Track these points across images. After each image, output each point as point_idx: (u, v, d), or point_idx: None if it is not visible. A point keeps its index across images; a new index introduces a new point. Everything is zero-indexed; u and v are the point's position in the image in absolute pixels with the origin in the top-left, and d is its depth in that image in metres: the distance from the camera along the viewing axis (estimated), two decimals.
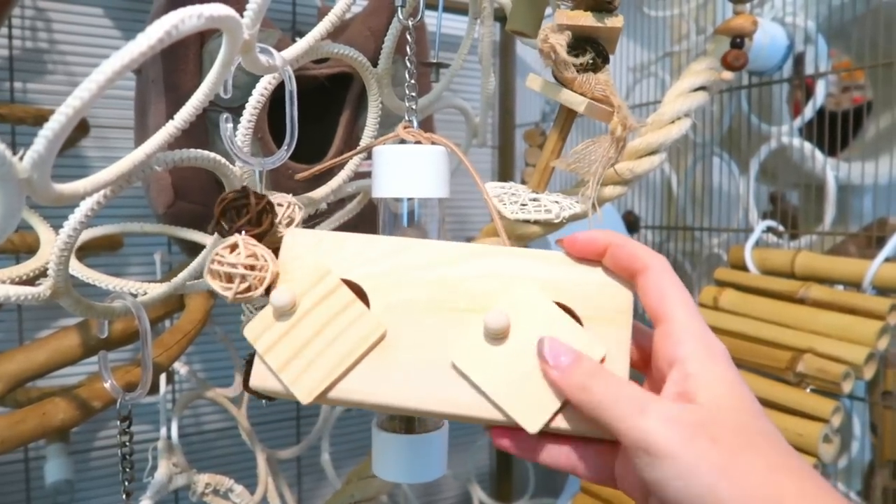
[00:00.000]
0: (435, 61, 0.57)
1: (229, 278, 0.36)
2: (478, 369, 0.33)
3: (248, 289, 0.36)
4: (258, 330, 0.34)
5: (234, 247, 0.37)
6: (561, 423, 0.32)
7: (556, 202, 0.49)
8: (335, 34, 0.74)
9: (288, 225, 0.42)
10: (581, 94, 0.42)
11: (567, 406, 0.31)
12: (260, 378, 0.34)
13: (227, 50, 0.35)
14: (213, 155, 0.40)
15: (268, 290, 0.39)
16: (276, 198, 0.42)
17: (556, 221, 0.48)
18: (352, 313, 0.34)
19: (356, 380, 0.33)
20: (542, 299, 0.33)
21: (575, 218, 0.50)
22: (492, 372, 0.32)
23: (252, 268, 0.36)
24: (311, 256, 0.36)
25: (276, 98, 0.45)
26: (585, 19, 0.41)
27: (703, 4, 0.95)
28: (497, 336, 0.33)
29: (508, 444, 0.33)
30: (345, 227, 0.65)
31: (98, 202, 0.35)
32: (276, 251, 0.39)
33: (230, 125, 0.39)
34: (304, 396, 0.33)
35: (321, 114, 0.73)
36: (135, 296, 0.46)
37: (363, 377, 0.33)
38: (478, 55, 0.64)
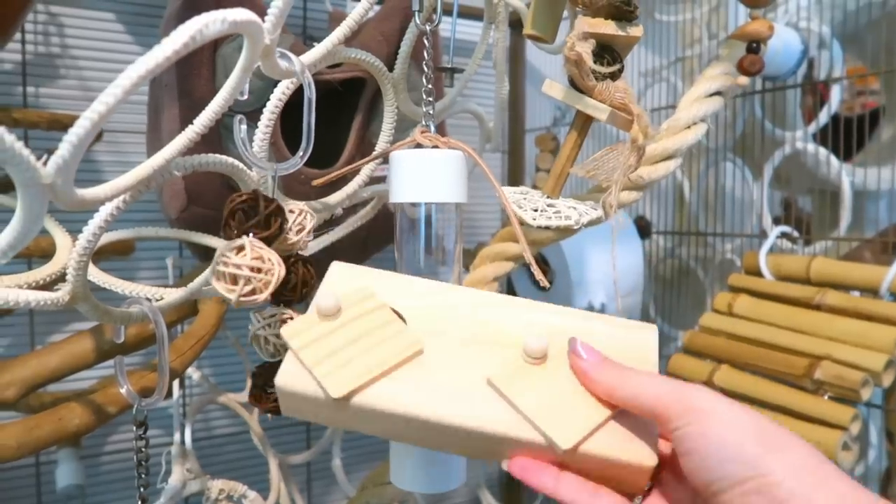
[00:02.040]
0: (450, 66, 0.57)
1: (234, 280, 0.36)
2: (513, 386, 0.32)
3: (253, 291, 0.36)
4: (296, 329, 0.34)
5: (240, 249, 0.36)
6: (593, 445, 0.31)
7: (574, 208, 0.49)
8: (347, 40, 0.74)
9: (298, 232, 0.41)
10: (601, 101, 0.42)
11: (600, 430, 0.31)
12: (288, 377, 0.33)
13: (248, 54, 0.35)
14: (230, 160, 0.40)
15: (274, 295, 0.39)
16: (289, 205, 0.42)
17: (575, 228, 0.48)
18: (392, 328, 0.35)
19: (389, 385, 0.33)
20: (579, 331, 0.35)
21: (592, 224, 0.50)
22: (527, 390, 0.32)
23: (258, 270, 0.36)
24: (356, 280, 0.37)
25: (289, 103, 0.45)
26: (607, 27, 0.40)
27: (714, 9, 0.94)
28: (535, 357, 0.33)
29: (526, 472, 0.32)
30: (358, 232, 0.64)
31: (118, 207, 0.35)
32: (285, 259, 0.39)
33: (244, 127, 0.38)
34: (336, 390, 0.32)
35: (332, 118, 0.73)
36: (151, 301, 0.45)
37: (396, 384, 0.33)
38: (492, 60, 0.64)
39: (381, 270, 0.38)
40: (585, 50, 0.39)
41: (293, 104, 0.42)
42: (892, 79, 0.80)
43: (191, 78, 0.62)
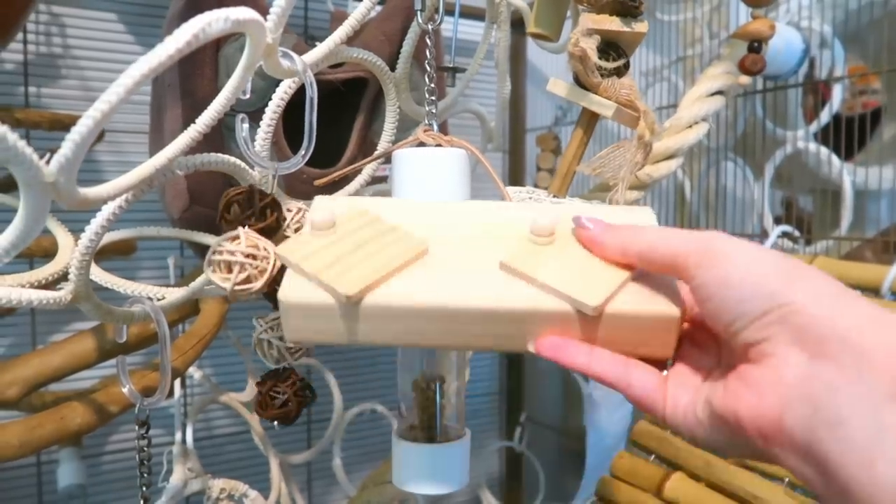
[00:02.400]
0: (452, 66, 0.57)
1: (229, 268, 0.36)
2: (528, 263, 0.32)
3: (248, 279, 0.36)
4: (293, 246, 0.33)
5: (235, 237, 0.36)
6: (619, 304, 0.31)
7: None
8: (349, 39, 0.74)
9: (297, 231, 0.41)
10: (606, 98, 0.42)
11: (622, 290, 0.31)
12: (293, 290, 0.31)
13: (251, 54, 0.35)
14: (232, 159, 0.40)
15: (270, 285, 0.39)
16: (288, 204, 0.42)
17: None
18: (393, 234, 0.34)
19: (401, 282, 0.32)
20: (581, 213, 0.34)
21: None
22: (543, 264, 0.32)
23: (253, 257, 0.36)
24: (345, 204, 0.37)
25: (291, 102, 0.45)
26: (612, 24, 0.40)
27: (716, 8, 0.94)
28: (544, 235, 0.33)
29: (557, 350, 0.32)
30: None
31: (120, 206, 0.35)
32: None
33: (246, 126, 0.38)
34: (348, 288, 0.30)
35: (334, 118, 0.73)
36: (153, 300, 0.45)
37: (408, 280, 0.32)
38: (494, 60, 0.64)
39: (370, 197, 0.38)
40: (590, 46, 0.39)
41: (295, 103, 0.42)
42: (894, 78, 0.80)
43: (193, 77, 0.62)
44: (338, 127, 0.73)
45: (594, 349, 0.31)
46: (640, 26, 0.41)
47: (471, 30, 1.02)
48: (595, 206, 0.37)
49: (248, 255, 0.35)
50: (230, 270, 0.36)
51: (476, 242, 0.34)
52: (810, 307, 0.25)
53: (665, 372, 0.32)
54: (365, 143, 0.71)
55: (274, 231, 0.39)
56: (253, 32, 0.33)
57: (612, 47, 0.42)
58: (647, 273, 0.32)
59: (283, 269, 0.39)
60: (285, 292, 0.31)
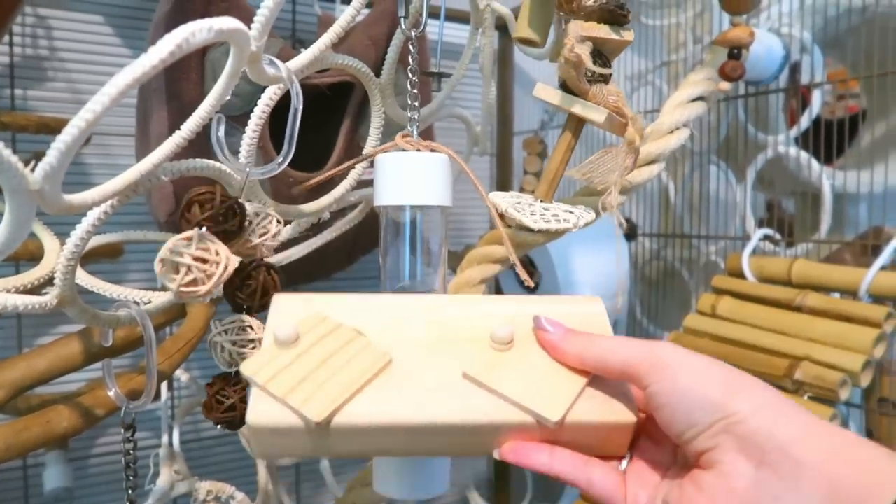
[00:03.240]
0: (437, 71, 0.58)
1: (176, 269, 0.35)
2: (490, 374, 0.33)
3: (195, 282, 0.35)
4: (258, 363, 0.33)
5: (189, 238, 0.35)
6: (577, 413, 0.32)
7: (570, 211, 0.50)
8: (335, 44, 0.75)
9: (261, 236, 0.41)
10: (595, 104, 0.43)
11: (580, 398, 0.33)
12: (260, 414, 0.31)
13: (235, 61, 0.36)
14: (217, 164, 0.41)
15: (231, 298, 0.38)
16: (253, 207, 0.41)
17: (574, 230, 0.49)
18: (356, 345, 0.34)
19: (367, 400, 0.32)
20: (529, 328, 0.36)
21: (587, 225, 0.51)
22: (504, 375, 0.33)
23: (203, 261, 0.35)
24: (305, 309, 0.36)
25: (278, 106, 0.45)
26: (601, 31, 0.41)
27: (699, 14, 0.96)
28: (503, 343, 0.35)
29: (519, 454, 0.33)
30: (346, 235, 0.65)
31: (105, 212, 0.35)
32: (247, 264, 0.39)
33: (222, 127, 0.39)
34: (317, 414, 0.31)
35: (321, 122, 0.73)
36: (139, 304, 0.46)
37: (374, 397, 0.32)
38: (479, 64, 0.65)
39: (326, 294, 0.38)
40: (585, 52, 0.39)
41: (283, 107, 0.42)
42: (872, 83, 0.81)
43: (179, 82, 0.63)
44: (325, 130, 0.74)
45: (555, 450, 0.33)
46: (627, 34, 0.42)
47: (458, 33, 1.03)
48: (544, 304, 0.38)
49: (197, 259, 0.35)
50: (177, 272, 0.35)
51: (438, 349, 0.35)
52: (752, 418, 0.28)
53: (623, 466, 0.34)
54: (352, 147, 0.72)
55: (234, 235, 0.38)
56: (236, 41, 0.34)
57: (597, 54, 0.42)
58: (603, 378, 0.33)
59: (245, 280, 0.40)
60: (254, 415, 0.31)
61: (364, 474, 0.59)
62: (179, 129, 0.37)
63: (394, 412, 0.32)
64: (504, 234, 0.45)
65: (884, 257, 0.65)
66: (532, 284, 0.44)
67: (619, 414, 0.33)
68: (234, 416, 0.42)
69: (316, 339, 0.34)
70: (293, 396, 0.31)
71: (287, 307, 0.37)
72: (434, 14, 0.55)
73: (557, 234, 0.58)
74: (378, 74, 0.53)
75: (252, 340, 0.41)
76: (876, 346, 0.62)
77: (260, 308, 0.41)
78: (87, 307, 0.40)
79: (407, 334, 0.36)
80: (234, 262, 0.37)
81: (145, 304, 0.47)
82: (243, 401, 0.41)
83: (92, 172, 0.82)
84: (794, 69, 0.84)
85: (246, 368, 0.32)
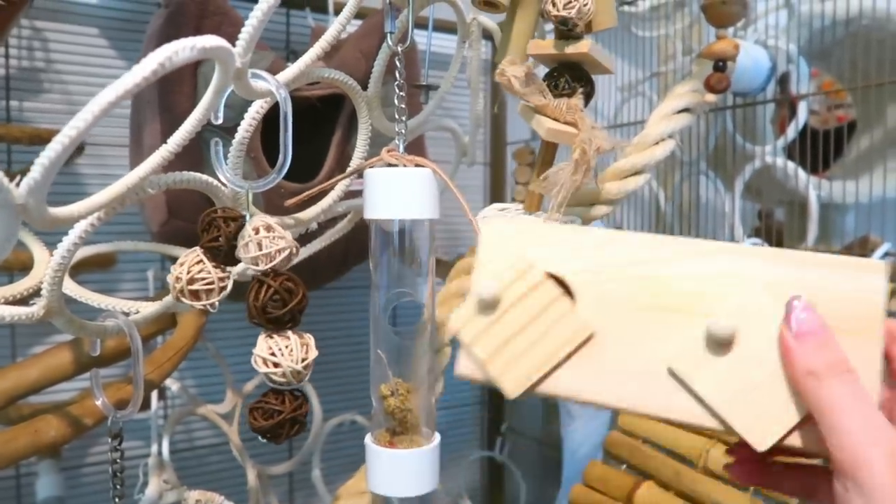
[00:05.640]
0: (425, 83, 0.59)
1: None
2: (699, 378, 0.30)
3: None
4: (462, 320, 0.33)
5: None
6: (797, 440, 0.28)
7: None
8: (327, 56, 0.76)
9: (244, 245, 0.41)
10: (555, 119, 0.44)
11: (805, 422, 0.28)
12: (467, 368, 0.33)
13: (220, 78, 0.36)
14: (205, 178, 0.41)
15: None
16: (255, 223, 0.41)
17: None
18: (557, 310, 0.32)
19: (564, 377, 0.32)
20: (772, 304, 0.30)
21: None
22: (715, 382, 0.29)
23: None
24: (513, 247, 0.34)
25: (270, 118, 0.46)
26: (548, 47, 0.42)
27: (689, 26, 0.97)
28: (721, 344, 0.30)
29: (744, 473, 0.31)
30: (337, 245, 0.65)
31: (92, 224, 0.36)
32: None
33: (220, 149, 0.40)
34: (511, 391, 0.31)
35: (313, 133, 0.74)
36: (127, 314, 0.46)
37: (572, 375, 0.32)
38: (463, 76, 0.66)
39: (541, 224, 0.36)
40: (515, 74, 0.40)
41: (275, 118, 0.43)
42: (859, 94, 0.82)
43: (172, 94, 0.64)
44: (317, 142, 0.75)
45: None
46: (578, 47, 0.42)
47: (450, 43, 1.04)
48: (808, 270, 0.30)
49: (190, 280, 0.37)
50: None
51: (647, 319, 0.31)
52: None
53: None
54: (343, 158, 0.72)
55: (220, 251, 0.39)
56: (221, 59, 0.34)
57: (570, 69, 0.43)
58: None
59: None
60: (461, 367, 0.33)
61: (353, 483, 0.60)
62: (164, 140, 0.38)
63: (591, 392, 0.31)
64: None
65: None
66: None
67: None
68: (280, 431, 0.40)
69: (518, 295, 0.33)
70: (493, 365, 0.32)
71: (497, 239, 0.34)
72: (423, 25, 0.56)
73: None
74: (365, 89, 0.53)
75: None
76: None
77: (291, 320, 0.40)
78: (74, 317, 0.41)
79: (619, 290, 0.32)
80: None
81: (134, 313, 0.47)
82: (296, 420, 0.41)
83: (86, 183, 0.83)
84: (784, 80, 0.84)
85: (453, 322, 0.33)
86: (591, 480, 0.66)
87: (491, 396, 1.17)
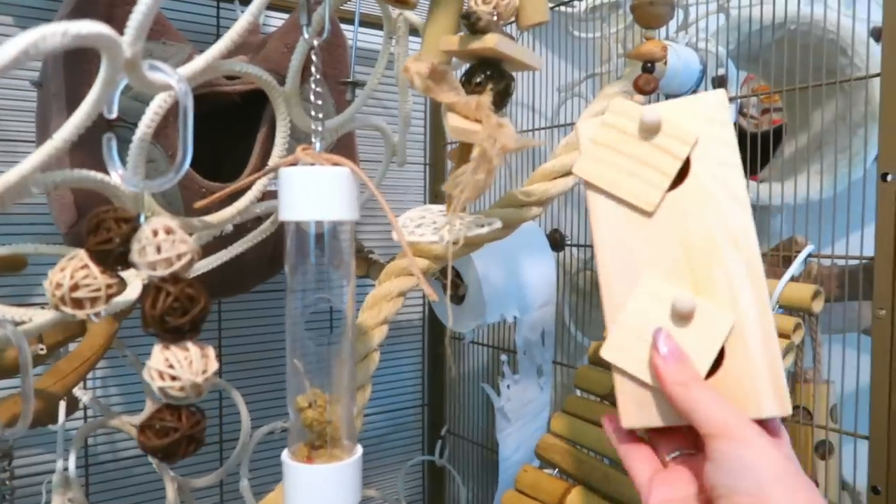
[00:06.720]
0: (351, 80, 0.57)
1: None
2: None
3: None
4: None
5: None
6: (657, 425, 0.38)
7: (481, 225, 0.50)
8: (253, 50, 0.73)
9: (140, 250, 0.38)
10: (465, 116, 0.42)
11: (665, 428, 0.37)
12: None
13: (107, 69, 0.34)
14: (95, 175, 0.38)
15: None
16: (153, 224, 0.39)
17: (442, 244, 0.48)
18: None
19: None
20: None
21: (473, 241, 0.50)
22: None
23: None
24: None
25: (203, 113, 0.43)
26: (452, 44, 0.41)
27: (628, 27, 0.97)
28: (681, 316, 0.37)
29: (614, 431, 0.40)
30: (263, 245, 0.63)
31: None
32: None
33: (113, 144, 0.37)
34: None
35: (246, 131, 0.71)
36: (19, 323, 0.43)
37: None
38: (394, 73, 0.64)
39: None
40: (418, 70, 0.39)
41: (210, 114, 0.40)
42: (789, 97, 0.83)
43: (80, 87, 0.60)
44: (249, 140, 0.72)
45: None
46: (483, 42, 0.41)
47: (379, 39, 1.02)
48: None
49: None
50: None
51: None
52: None
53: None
54: (269, 156, 0.70)
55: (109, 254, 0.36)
56: (106, 47, 0.32)
57: (490, 66, 0.42)
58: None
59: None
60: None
61: (273, 496, 0.57)
62: (78, 136, 0.35)
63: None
64: (405, 247, 0.44)
65: (793, 268, 0.66)
66: (436, 298, 0.43)
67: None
68: (176, 449, 0.37)
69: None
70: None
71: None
72: (348, 18, 0.54)
73: (472, 245, 0.57)
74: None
75: None
76: (786, 356, 0.63)
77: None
78: None
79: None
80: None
81: (26, 322, 0.44)
82: (193, 437, 0.38)
83: None
84: (721, 83, 0.85)
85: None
86: (522, 486, 0.65)
87: (432, 400, 1.16)
